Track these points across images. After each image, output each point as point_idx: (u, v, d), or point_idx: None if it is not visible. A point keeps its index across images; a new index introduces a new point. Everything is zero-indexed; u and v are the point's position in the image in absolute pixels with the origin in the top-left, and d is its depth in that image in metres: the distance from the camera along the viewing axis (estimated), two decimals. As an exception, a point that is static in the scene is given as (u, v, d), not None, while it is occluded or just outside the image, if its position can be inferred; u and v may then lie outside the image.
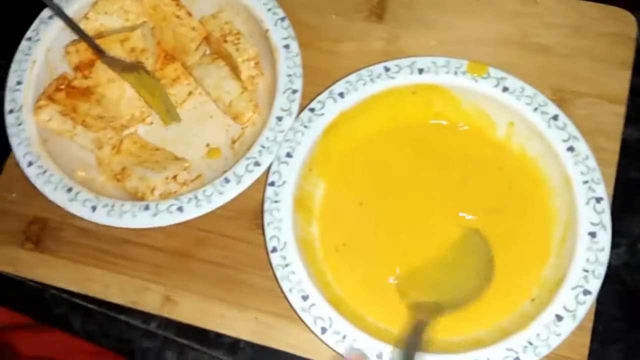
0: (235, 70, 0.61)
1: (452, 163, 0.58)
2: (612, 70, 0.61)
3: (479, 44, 0.63)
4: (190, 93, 0.63)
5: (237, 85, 0.60)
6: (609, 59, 0.62)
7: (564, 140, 0.55)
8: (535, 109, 0.56)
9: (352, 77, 0.58)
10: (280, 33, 0.60)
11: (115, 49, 0.59)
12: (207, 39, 0.63)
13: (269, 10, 0.61)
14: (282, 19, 0.61)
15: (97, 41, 0.60)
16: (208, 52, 0.64)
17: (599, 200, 0.52)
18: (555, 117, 0.55)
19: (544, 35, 0.63)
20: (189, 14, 0.62)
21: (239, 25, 0.62)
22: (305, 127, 0.57)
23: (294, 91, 0.58)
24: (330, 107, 0.58)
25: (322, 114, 0.57)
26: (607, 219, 0.52)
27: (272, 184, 0.56)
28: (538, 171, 0.56)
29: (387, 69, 0.58)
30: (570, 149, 0.54)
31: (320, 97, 0.58)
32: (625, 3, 0.64)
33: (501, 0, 0.64)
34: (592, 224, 0.52)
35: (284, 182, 0.56)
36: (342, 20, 0.65)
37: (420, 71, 0.58)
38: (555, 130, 0.55)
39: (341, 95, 0.58)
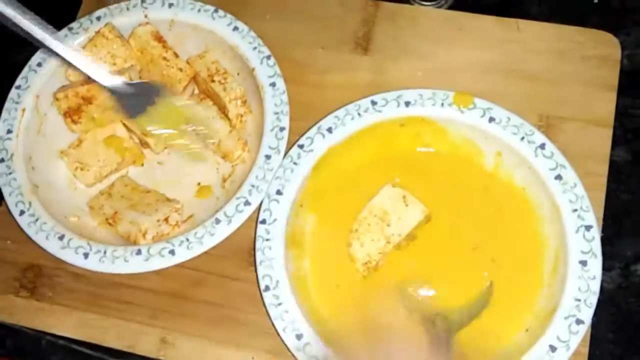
0: (223, 109, 0.62)
1: (442, 192, 0.59)
2: (598, 93, 0.62)
3: (464, 72, 0.64)
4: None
5: (226, 124, 0.61)
6: (594, 82, 0.62)
7: (552, 169, 0.55)
8: (522, 139, 0.56)
9: (340, 112, 0.59)
10: (266, 71, 0.61)
11: (103, 94, 0.60)
12: (194, 79, 0.63)
13: (255, 48, 0.62)
14: (268, 57, 0.61)
15: (86, 87, 0.60)
16: (196, 91, 0.65)
17: (588, 228, 0.52)
18: (542, 146, 0.56)
19: (529, 61, 0.63)
20: (176, 55, 0.63)
21: (225, 65, 0.63)
22: (295, 164, 0.57)
23: (282, 129, 0.59)
24: (318, 143, 0.58)
25: (311, 150, 0.58)
26: (597, 246, 0.52)
27: (263, 222, 0.56)
28: (527, 199, 0.56)
29: (374, 103, 0.59)
30: (558, 177, 0.54)
31: (308, 134, 0.58)
32: (607, 24, 0.65)
33: (484, 28, 0.65)
34: (583, 252, 0.52)
35: (275, 220, 0.56)
36: (328, 53, 0.66)
37: (407, 104, 0.58)
38: (543, 159, 0.55)
39: (329, 130, 0.58)
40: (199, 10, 0.63)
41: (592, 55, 0.63)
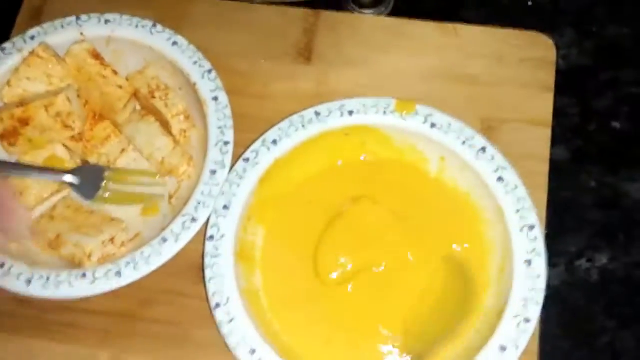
0: (166, 125, 0.61)
1: (389, 199, 0.59)
2: (536, 94, 0.63)
3: (406, 79, 0.64)
4: (123, 150, 0.62)
5: (169, 141, 0.60)
6: (532, 83, 0.63)
7: (494, 171, 0.56)
8: (464, 143, 0.57)
9: (284, 124, 0.59)
10: (208, 85, 0.60)
11: (40, 115, 0.58)
12: (135, 95, 0.62)
13: (195, 63, 0.61)
14: (209, 71, 0.61)
15: (22, 108, 0.58)
16: (138, 107, 0.64)
17: (531, 228, 0.53)
18: (483, 150, 0.57)
19: (468, 65, 0.64)
20: (115, 73, 0.62)
21: (166, 80, 0.62)
22: (241, 178, 0.57)
23: (226, 143, 0.58)
24: (264, 156, 0.58)
25: (257, 163, 0.57)
26: (541, 245, 0.53)
27: (211, 238, 0.55)
28: (472, 203, 0.57)
29: (317, 114, 0.59)
30: (500, 179, 0.55)
31: (254, 146, 0.58)
32: (542, 26, 0.66)
33: (423, 34, 0.66)
34: (527, 252, 0.53)
35: (223, 236, 0.55)
36: (271, 64, 0.66)
37: (351, 113, 0.59)
38: (484, 162, 0.56)
39: (274, 142, 0.58)
40: (136, 26, 0.62)
41: (529, 57, 0.64)
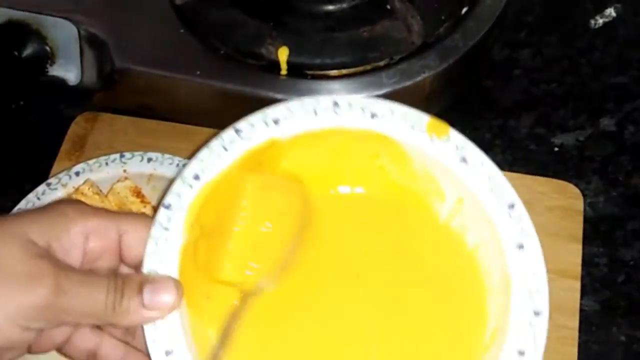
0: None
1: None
2: (564, 244, 0.64)
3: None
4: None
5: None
6: (559, 233, 0.64)
7: (516, 234, 0.48)
8: (492, 190, 0.49)
9: (294, 104, 0.49)
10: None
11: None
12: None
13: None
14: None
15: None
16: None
17: (537, 314, 0.46)
18: (512, 206, 0.48)
19: (496, 211, 0.66)
20: (154, 209, 0.64)
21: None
22: (226, 150, 0.49)
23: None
24: (260, 132, 0.49)
25: (249, 138, 0.49)
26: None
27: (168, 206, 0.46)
28: (476, 263, 0.50)
29: (336, 104, 0.49)
30: (520, 247, 0.48)
31: (251, 118, 0.49)
32: (568, 172, 0.68)
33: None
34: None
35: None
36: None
37: (373, 116, 0.49)
38: (508, 219, 0.48)
39: (276, 122, 0.49)
40: (177, 165, 0.65)
41: (556, 205, 0.66)
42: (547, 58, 0.75)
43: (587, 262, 0.64)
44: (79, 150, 0.72)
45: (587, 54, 0.75)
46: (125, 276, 0.43)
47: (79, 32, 0.67)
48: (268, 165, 0.51)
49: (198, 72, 0.65)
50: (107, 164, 0.65)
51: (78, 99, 0.74)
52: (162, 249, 0.45)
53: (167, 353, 0.44)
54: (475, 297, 0.49)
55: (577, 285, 0.62)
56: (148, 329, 0.44)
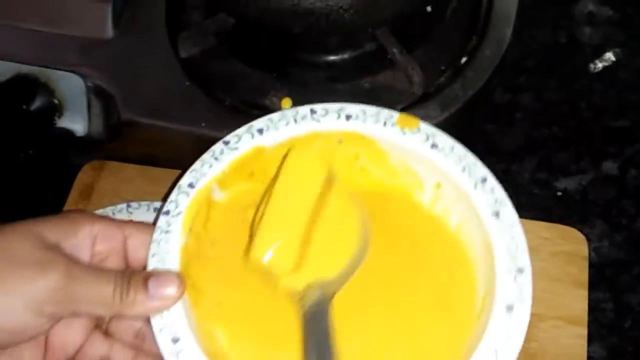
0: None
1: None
2: (569, 290, 0.64)
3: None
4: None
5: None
6: (564, 278, 0.64)
7: (491, 205, 0.51)
8: (464, 170, 0.52)
9: (276, 116, 0.54)
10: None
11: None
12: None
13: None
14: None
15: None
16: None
17: (520, 270, 0.49)
18: (483, 180, 0.52)
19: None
20: (160, 260, 0.64)
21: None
22: (216, 159, 0.53)
23: None
24: (246, 143, 0.53)
25: (236, 149, 0.53)
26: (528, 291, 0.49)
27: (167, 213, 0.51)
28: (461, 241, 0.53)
29: (313, 111, 0.54)
30: (496, 214, 0.51)
31: (238, 131, 0.54)
32: (572, 217, 0.68)
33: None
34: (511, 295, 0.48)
35: (179, 213, 0.51)
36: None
37: (348, 117, 0.54)
38: (482, 193, 0.51)
39: (260, 131, 0.53)
40: (181, 215, 0.66)
41: (560, 251, 0.66)
42: (547, 102, 0.76)
43: (593, 308, 0.64)
44: (86, 198, 0.73)
45: (587, 97, 0.76)
46: (132, 271, 0.46)
47: (86, 85, 0.68)
48: (259, 175, 0.54)
49: (203, 124, 0.66)
50: (113, 214, 0.66)
51: (86, 149, 0.75)
52: (164, 250, 0.49)
53: (174, 340, 0.46)
54: (464, 274, 0.52)
55: (584, 332, 0.61)
56: (155, 319, 0.47)
